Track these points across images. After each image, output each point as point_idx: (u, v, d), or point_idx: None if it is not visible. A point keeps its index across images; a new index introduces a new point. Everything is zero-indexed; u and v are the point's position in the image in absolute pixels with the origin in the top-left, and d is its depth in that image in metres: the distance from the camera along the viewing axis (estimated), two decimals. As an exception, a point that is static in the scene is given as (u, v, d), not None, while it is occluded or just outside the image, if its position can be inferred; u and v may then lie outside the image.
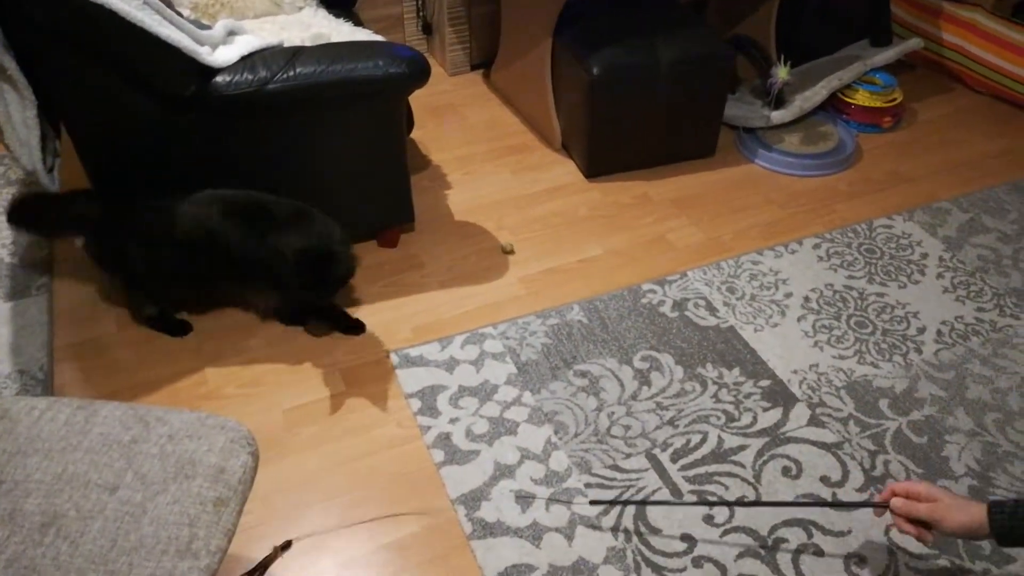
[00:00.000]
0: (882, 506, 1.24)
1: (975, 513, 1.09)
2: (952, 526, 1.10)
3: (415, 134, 2.62)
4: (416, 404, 1.72)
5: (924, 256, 2.15)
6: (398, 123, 1.93)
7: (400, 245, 2.15)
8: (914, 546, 1.47)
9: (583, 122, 2.34)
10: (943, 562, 1.45)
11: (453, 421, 1.69)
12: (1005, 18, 2.73)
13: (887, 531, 1.49)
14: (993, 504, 1.08)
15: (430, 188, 2.39)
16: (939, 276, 2.09)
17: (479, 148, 2.57)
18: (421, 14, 2.97)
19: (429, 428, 1.67)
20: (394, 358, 1.83)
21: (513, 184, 2.41)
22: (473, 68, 2.99)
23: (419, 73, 1.80)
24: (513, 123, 2.69)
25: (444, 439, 1.65)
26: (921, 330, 1.93)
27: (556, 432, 1.67)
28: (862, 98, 2.65)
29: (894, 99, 2.66)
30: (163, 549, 0.95)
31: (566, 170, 2.47)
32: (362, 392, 1.76)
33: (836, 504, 1.53)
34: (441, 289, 2.03)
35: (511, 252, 2.15)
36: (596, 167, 2.43)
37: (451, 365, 1.81)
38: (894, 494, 1.20)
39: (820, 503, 1.52)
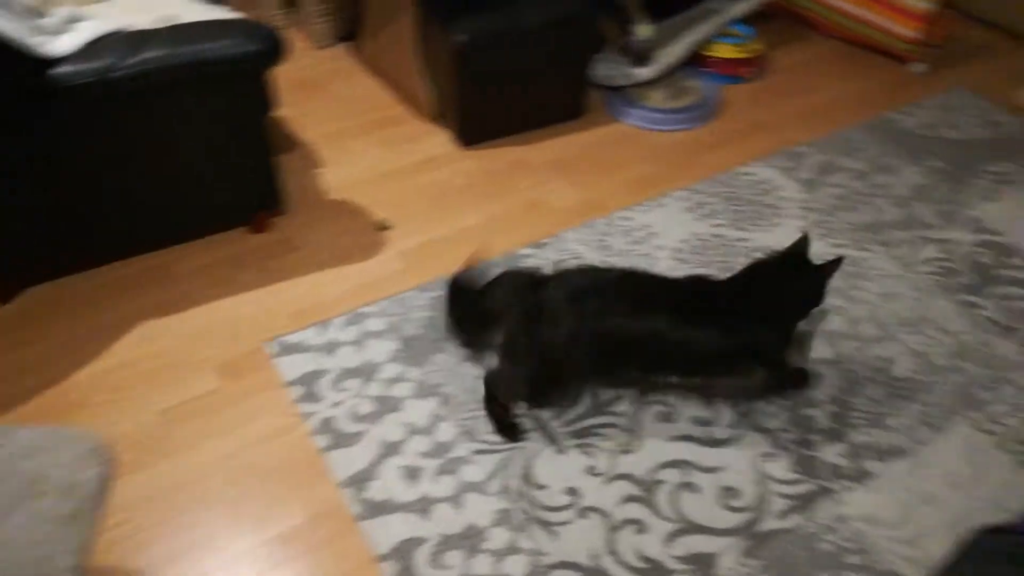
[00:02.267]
0: None
1: None
2: None
3: (283, 112, 2.55)
4: (297, 391, 1.70)
5: (782, 199, 2.26)
6: (258, 103, 1.87)
7: (273, 228, 2.10)
8: (781, 474, 1.57)
9: (453, 91, 2.33)
10: (810, 486, 1.56)
11: (336, 405, 1.68)
12: (850, -36, 2.86)
13: (756, 462, 1.59)
14: None
15: (301, 168, 2.33)
16: (798, 217, 2.20)
17: (350, 123, 2.52)
18: (280, -13, 2.86)
19: (311, 415, 1.66)
20: (272, 347, 1.80)
21: (387, 158, 2.38)
22: (340, 40, 2.91)
23: (275, 50, 1.75)
24: (384, 96, 2.65)
25: (327, 424, 1.64)
26: (783, 271, 2.03)
27: (442, 404, 1.69)
28: (723, 51, 2.73)
29: (754, 50, 2.75)
30: (16, 574, 0.92)
31: (440, 140, 2.46)
32: (239, 385, 1.72)
33: None
34: (318, 271, 2.00)
35: (388, 228, 2.13)
36: (470, 135, 2.43)
37: (331, 348, 1.80)
38: None
39: None
